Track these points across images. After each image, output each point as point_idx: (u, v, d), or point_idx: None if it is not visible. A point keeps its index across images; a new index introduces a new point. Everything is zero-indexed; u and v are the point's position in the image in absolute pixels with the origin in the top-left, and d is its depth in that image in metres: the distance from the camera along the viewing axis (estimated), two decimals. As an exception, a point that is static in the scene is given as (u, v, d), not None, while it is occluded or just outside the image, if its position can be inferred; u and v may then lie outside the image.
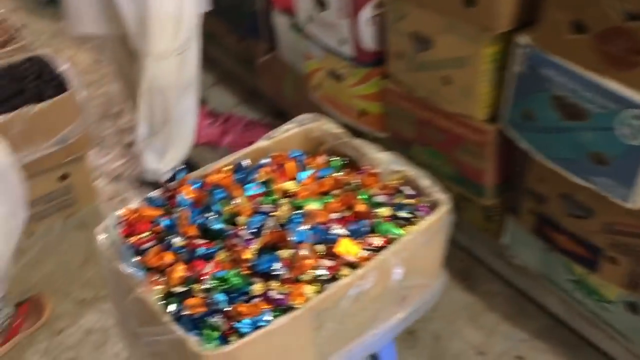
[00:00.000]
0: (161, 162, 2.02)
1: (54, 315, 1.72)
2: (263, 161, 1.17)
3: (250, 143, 2.24)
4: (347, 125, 1.89)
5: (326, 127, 1.24)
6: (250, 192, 1.07)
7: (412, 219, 1.07)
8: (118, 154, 2.31)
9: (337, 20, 1.61)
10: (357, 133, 1.86)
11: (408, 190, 1.12)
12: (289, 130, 1.24)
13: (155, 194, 1.14)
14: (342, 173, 1.16)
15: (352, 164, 1.20)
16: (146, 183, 2.07)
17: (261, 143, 1.22)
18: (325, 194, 1.12)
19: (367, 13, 1.53)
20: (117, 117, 2.50)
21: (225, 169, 1.16)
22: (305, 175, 1.13)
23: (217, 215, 1.03)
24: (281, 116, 2.37)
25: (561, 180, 1.24)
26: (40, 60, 2.00)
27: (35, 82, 1.90)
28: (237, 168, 1.15)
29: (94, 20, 1.81)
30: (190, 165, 2.06)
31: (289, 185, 1.10)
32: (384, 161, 1.16)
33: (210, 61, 2.66)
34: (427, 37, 1.39)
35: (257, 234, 1.00)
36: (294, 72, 2.06)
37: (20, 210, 1.46)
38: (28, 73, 1.93)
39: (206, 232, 1.03)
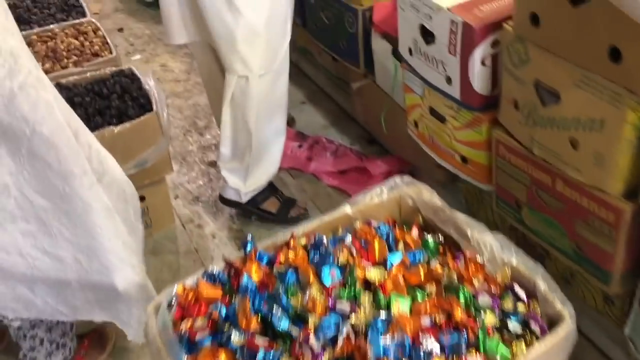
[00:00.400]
0: (243, 184, 1.90)
1: (116, 350, 1.64)
2: (345, 235, 0.99)
3: (339, 172, 2.10)
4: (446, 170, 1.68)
5: (424, 196, 1.04)
6: (327, 281, 0.90)
7: (524, 334, 0.86)
8: (199, 172, 2.21)
9: (444, 56, 1.40)
10: (456, 177, 1.64)
11: (519, 290, 0.91)
12: (379, 196, 1.06)
13: (217, 268, 0.99)
14: (437, 258, 0.97)
15: (450, 242, 1.01)
16: (226, 201, 1.97)
17: (346, 208, 1.05)
18: (417, 285, 0.93)
19: (480, 52, 1.32)
20: (204, 131, 2.41)
21: (301, 242, 0.99)
22: (393, 259, 0.94)
23: (284, 312, 0.86)
24: (373, 143, 2.19)
25: None
26: (127, 75, 1.93)
27: (120, 99, 1.83)
28: (315, 244, 0.98)
29: (185, 26, 1.71)
30: (272, 188, 1.94)
31: (373, 274, 0.92)
32: (491, 246, 0.95)
33: (302, 77, 2.52)
34: (554, 89, 1.15)
35: (329, 342, 0.83)
36: (390, 101, 1.86)
37: (139, 225, 1.39)
38: (114, 89, 1.86)
39: (270, 325, 0.87)
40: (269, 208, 1.93)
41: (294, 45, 1.91)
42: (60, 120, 1.15)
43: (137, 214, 1.42)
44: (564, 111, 1.15)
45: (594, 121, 1.10)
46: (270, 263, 0.96)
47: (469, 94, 1.39)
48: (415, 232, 1.02)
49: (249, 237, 1.02)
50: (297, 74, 2.48)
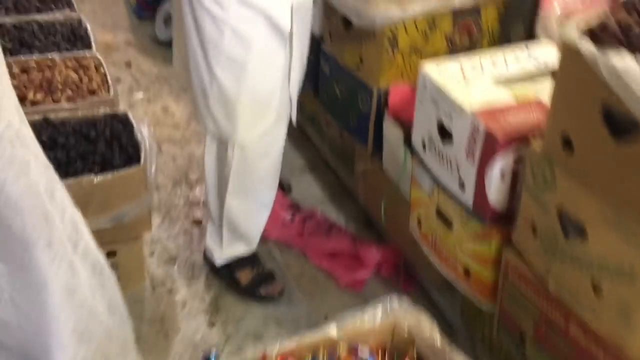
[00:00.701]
0: (219, 248, 1.77)
1: None
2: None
3: (329, 254, 1.96)
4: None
5: (423, 328, 0.90)
6: None
7: None
8: (181, 230, 2.06)
9: (461, 159, 1.28)
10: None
11: None
12: (371, 319, 0.92)
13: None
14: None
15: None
16: (205, 256, 1.84)
17: (331, 330, 0.90)
18: None
19: (500, 165, 1.20)
20: (194, 185, 2.27)
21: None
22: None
23: None
24: (370, 227, 2.05)
25: None
26: (121, 119, 1.81)
27: (107, 145, 1.70)
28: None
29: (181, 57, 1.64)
30: (252, 258, 1.80)
31: None
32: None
33: (305, 142, 2.41)
34: (580, 224, 1.03)
35: None
36: (395, 189, 1.74)
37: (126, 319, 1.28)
38: (103, 133, 1.73)
39: None
40: (241, 279, 1.78)
41: (301, 110, 1.80)
42: (33, 183, 1.03)
43: (115, 289, 1.28)
44: (588, 251, 1.02)
45: (623, 270, 0.96)
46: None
47: (482, 205, 1.26)
48: (407, 369, 0.87)
49: (213, 353, 0.87)
50: (301, 138, 2.37)
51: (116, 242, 1.69)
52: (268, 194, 1.71)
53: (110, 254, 1.71)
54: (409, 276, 1.79)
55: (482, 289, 1.34)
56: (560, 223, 1.07)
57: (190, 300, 1.79)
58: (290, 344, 0.87)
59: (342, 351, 0.88)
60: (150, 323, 1.71)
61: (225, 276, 1.80)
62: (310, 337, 0.89)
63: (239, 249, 1.77)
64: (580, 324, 1.06)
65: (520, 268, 1.19)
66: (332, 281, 1.85)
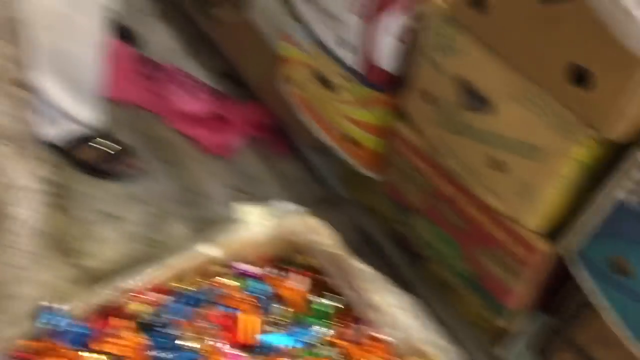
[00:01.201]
0: (52, 124, 1.48)
1: None
2: (200, 298, 0.69)
3: (190, 117, 1.73)
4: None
5: (317, 237, 0.77)
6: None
7: None
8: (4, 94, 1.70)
9: (343, 13, 1.09)
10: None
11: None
12: (256, 230, 0.76)
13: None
14: (331, 333, 0.71)
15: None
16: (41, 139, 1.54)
17: (209, 249, 0.74)
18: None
19: (393, 21, 1.02)
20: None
21: (134, 309, 0.67)
22: (267, 341, 0.66)
23: None
24: (236, 84, 1.83)
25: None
26: None
27: None
28: (152, 319, 0.66)
29: None
30: (97, 130, 1.53)
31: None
32: (405, 325, 0.72)
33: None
34: (485, 96, 0.91)
35: None
36: (265, 43, 1.51)
37: None
38: None
39: None
40: (86, 157, 1.53)
41: None
42: None
43: None
44: (492, 125, 0.92)
45: (529, 147, 0.88)
46: (85, 344, 0.64)
47: (370, 67, 1.10)
48: (299, 282, 0.75)
49: (46, 304, 0.67)
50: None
51: None
52: (91, 24, 1.35)
53: None
54: (283, 137, 1.64)
55: (367, 158, 1.23)
56: (459, 93, 0.95)
57: (27, 183, 1.52)
58: (155, 273, 0.70)
59: (224, 276, 0.73)
60: (-20, 211, 1.43)
61: (67, 154, 1.53)
62: (181, 260, 0.73)
63: (74, 111, 1.48)
64: (475, 198, 1.00)
65: (411, 139, 1.08)
66: (196, 148, 1.65)
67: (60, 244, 1.41)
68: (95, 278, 1.36)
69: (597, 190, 0.86)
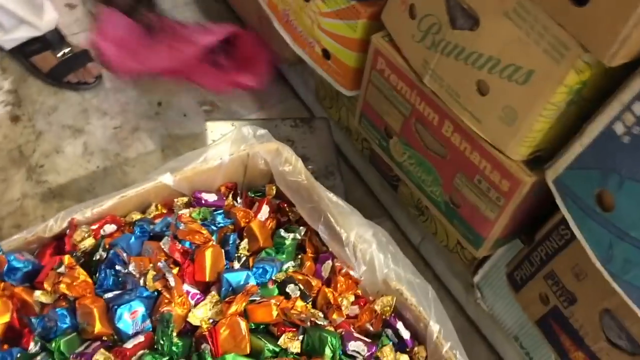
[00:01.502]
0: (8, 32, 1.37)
1: None
2: (159, 231, 0.63)
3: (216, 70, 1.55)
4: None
5: (287, 167, 0.70)
6: (126, 328, 0.56)
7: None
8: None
9: None
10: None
11: (404, 332, 0.65)
12: (223, 155, 0.69)
13: None
14: (292, 266, 0.66)
15: (313, 232, 0.71)
16: None
17: (164, 178, 0.67)
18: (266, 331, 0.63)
19: None
20: None
21: (84, 243, 0.61)
22: (233, 281, 0.62)
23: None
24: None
25: (617, 298, 0.82)
26: None
27: None
28: (107, 254, 0.61)
29: None
30: (53, 36, 1.41)
31: (199, 315, 0.59)
32: (372, 256, 0.67)
33: None
34: (474, 11, 0.82)
35: None
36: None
37: None
38: None
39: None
40: (40, 64, 1.43)
41: None
42: None
43: None
44: (479, 44, 0.84)
45: (517, 69, 0.80)
46: (31, 279, 0.59)
47: (348, -26, 1.00)
48: (264, 212, 0.69)
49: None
50: None
51: None
52: None
53: None
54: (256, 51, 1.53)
55: (343, 74, 1.15)
56: (447, 7, 0.86)
57: (-18, 91, 1.42)
58: (109, 203, 0.64)
59: (182, 206, 0.67)
60: None
61: (23, 62, 1.43)
62: (138, 189, 0.66)
63: (28, 28, 1.38)
64: (456, 123, 0.93)
65: (391, 57, 0.99)
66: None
67: (22, 159, 1.34)
68: (59, 195, 1.30)
69: (587, 119, 0.80)
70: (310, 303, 0.65)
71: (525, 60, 0.79)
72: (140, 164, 1.37)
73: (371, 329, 0.65)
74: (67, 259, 0.60)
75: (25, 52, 1.42)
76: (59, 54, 1.42)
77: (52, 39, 1.42)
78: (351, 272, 0.66)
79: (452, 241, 1.22)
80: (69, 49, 1.44)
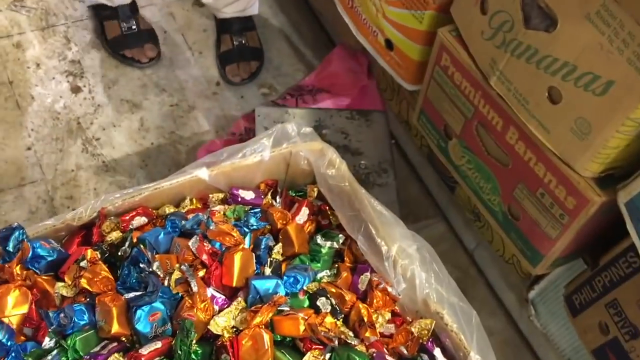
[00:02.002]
0: None
1: None
2: (188, 228, 0.60)
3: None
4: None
5: (332, 170, 0.65)
6: (145, 329, 0.53)
7: None
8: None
9: None
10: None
11: (438, 355, 0.60)
12: (265, 152, 0.66)
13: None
14: (326, 276, 0.62)
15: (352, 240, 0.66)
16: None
17: (202, 172, 0.64)
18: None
19: None
20: None
21: (111, 236, 0.59)
22: (261, 288, 0.58)
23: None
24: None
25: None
26: None
27: None
28: (130, 251, 0.58)
29: None
30: (129, 6, 1.42)
31: (221, 323, 0.56)
32: (413, 273, 0.62)
33: None
34: (551, 12, 0.75)
35: None
36: None
37: None
38: None
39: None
40: (107, 30, 1.44)
41: None
42: None
43: None
44: (554, 47, 0.76)
45: (595, 79, 0.72)
46: (56, 268, 0.57)
47: (418, -38, 0.94)
48: (303, 215, 0.65)
49: (15, 224, 0.59)
50: None
51: None
52: None
53: None
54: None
55: (406, 67, 1.08)
56: (522, 5, 0.78)
57: (46, 60, 1.43)
58: (142, 195, 0.61)
59: (217, 202, 0.64)
60: (-4, 88, 1.37)
61: (94, 23, 1.46)
62: (173, 182, 0.63)
63: None
64: (522, 131, 0.86)
65: (457, 54, 0.92)
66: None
67: (79, 131, 1.35)
68: (112, 169, 1.30)
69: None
70: (341, 319, 0.61)
71: (605, 70, 0.71)
72: (194, 143, 1.36)
73: (406, 352, 0.60)
74: (90, 253, 0.58)
75: (99, 14, 1.45)
76: (124, 27, 1.43)
77: (122, 12, 1.43)
78: (389, 289, 0.61)
79: (509, 252, 1.15)
80: (135, 25, 1.44)
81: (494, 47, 0.85)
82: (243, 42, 1.47)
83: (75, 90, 1.40)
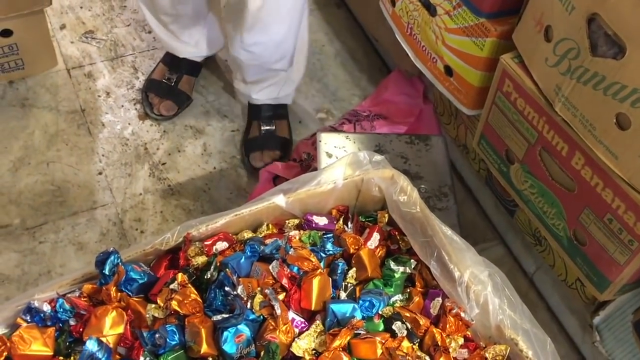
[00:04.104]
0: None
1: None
2: (268, 253, 0.63)
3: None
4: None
5: (403, 196, 0.67)
6: (231, 350, 0.56)
7: None
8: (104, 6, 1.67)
9: None
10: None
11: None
12: (337, 178, 0.68)
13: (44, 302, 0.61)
14: (399, 300, 0.64)
15: (423, 265, 0.68)
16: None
17: (279, 199, 0.67)
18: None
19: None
20: None
21: (197, 260, 0.62)
22: (339, 312, 0.60)
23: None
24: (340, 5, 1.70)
25: None
26: None
27: None
28: (218, 276, 0.61)
29: None
30: (171, 59, 1.45)
31: (303, 345, 0.58)
32: (486, 298, 0.63)
33: None
34: (619, 39, 0.75)
35: None
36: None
37: None
38: None
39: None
40: (155, 69, 1.51)
41: None
42: None
43: None
44: (623, 75, 0.76)
45: (667, 106, 0.73)
46: (145, 291, 0.61)
47: (480, -9, 0.96)
48: (374, 240, 0.67)
49: (111, 249, 0.64)
50: None
51: (10, 17, 1.34)
52: None
53: (6, 33, 1.37)
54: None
55: (466, 92, 1.10)
56: (587, 33, 0.79)
57: (115, 89, 1.51)
58: (223, 220, 0.65)
59: (294, 228, 0.67)
60: (68, 116, 1.44)
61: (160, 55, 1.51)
62: (252, 209, 0.66)
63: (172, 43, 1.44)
64: (588, 156, 0.86)
65: (520, 80, 0.93)
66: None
67: (147, 156, 1.41)
68: (177, 193, 1.35)
69: None
70: (417, 344, 0.62)
71: (677, 96, 0.71)
72: (253, 170, 1.40)
73: (479, 376, 0.61)
74: (180, 276, 0.61)
75: (165, 56, 1.50)
76: (165, 75, 1.48)
77: (174, 62, 1.47)
78: (462, 314, 0.63)
79: (572, 277, 1.14)
80: (175, 80, 1.47)
81: (559, 73, 0.86)
82: (272, 129, 1.40)
83: (143, 117, 1.47)
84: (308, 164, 1.35)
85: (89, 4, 1.65)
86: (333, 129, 1.46)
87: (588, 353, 1.23)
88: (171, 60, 1.47)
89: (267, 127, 1.41)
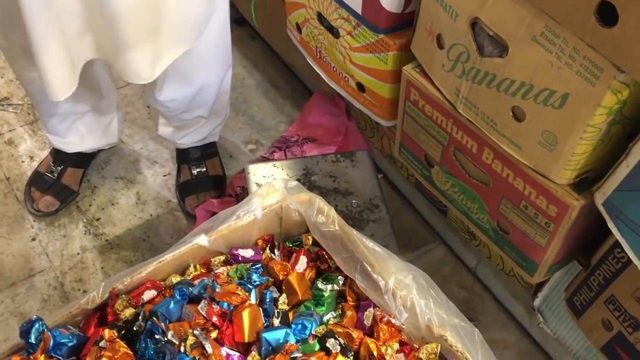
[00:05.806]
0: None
1: None
2: (196, 294, 0.64)
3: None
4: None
5: (322, 217, 0.70)
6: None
7: None
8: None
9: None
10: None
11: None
12: (257, 211, 0.70)
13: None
14: (332, 317, 0.66)
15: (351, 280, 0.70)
16: None
17: (201, 239, 0.68)
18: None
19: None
20: None
21: (124, 313, 0.62)
22: (272, 339, 0.61)
23: None
24: (241, 23, 1.73)
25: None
26: None
27: None
28: (145, 324, 0.62)
29: None
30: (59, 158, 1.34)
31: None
32: (412, 302, 0.66)
33: None
34: (501, 39, 0.80)
35: None
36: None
37: None
38: None
39: None
40: (40, 165, 1.43)
41: None
42: None
43: None
44: (510, 71, 0.81)
45: (552, 94, 0.78)
46: (77, 352, 0.61)
47: (374, 9, 1.00)
48: (302, 263, 0.69)
49: (34, 317, 0.63)
50: None
51: None
52: None
53: None
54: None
55: (380, 105, 1.14)
56: (473, 36, 0.84)
57: (38, 152, 1.49)
58: (148, 269, 0.65)
59: (220, 265, 0.68)
60: (-5, 186, 1.42)
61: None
62: (176, 253, 0.67)
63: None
64: (496, 150, 0.91)
65: (423, 87, 0.98)
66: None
67: (80, 214, 1.39)
68: (115, 246, 1.34)
69: (633, 136, 0.76)
70: (352, 357, 0.64)
71: (559, 84, 0.76)
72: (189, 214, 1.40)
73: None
74: (107, 332, 0.62)
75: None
76: (49, 168, 1.40)
77: (77, 158, 1.41)
78: (393, 320, 0.65)
79: (508, 266, 1.19)
80: (57, 174, 1.40)
81: (456, 77, 0.90)
82: (203, 171, 1.40)
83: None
84: (243, 197, 1.36)
85: (1, 71, 1.63)
86: (264, 159, 1.48)
87: (538, 335, 1.27)
88: (56, 152, 1.39)
89: (199, 170, 1.41)
